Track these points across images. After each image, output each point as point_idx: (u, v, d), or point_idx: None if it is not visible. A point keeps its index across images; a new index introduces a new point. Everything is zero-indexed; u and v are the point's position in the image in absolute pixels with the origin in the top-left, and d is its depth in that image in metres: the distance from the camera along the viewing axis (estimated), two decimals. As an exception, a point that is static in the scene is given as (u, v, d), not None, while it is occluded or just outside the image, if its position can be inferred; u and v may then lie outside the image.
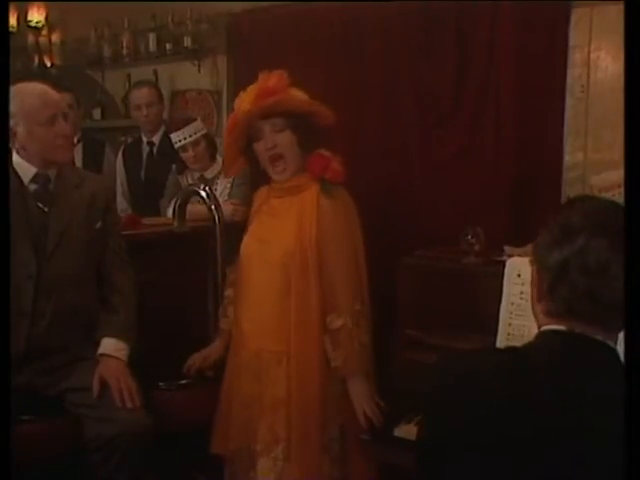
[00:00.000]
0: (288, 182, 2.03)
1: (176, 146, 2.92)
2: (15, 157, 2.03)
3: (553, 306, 1.07)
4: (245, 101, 1.98)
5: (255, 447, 1.98)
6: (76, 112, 3.33)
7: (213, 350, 2.19)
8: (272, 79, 1.97)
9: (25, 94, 1.98)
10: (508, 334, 1.84)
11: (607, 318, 1.02)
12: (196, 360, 2.18)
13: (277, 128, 1.96)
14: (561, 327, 1.06)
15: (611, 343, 1.05)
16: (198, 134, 2.91)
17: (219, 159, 3.00)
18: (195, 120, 2.99)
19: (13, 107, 1.94)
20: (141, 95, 3.31)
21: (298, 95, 2.00)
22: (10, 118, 1.94)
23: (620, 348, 1.05)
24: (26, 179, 2.02)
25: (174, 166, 3.04)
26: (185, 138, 2.88)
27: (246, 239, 2.10)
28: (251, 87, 2.00)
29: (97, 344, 2.05)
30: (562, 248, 1.03)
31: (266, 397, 1.98)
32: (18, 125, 1.97)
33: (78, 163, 3.34)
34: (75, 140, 3.08)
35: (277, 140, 1.97)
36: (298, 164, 2.02)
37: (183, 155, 2.93)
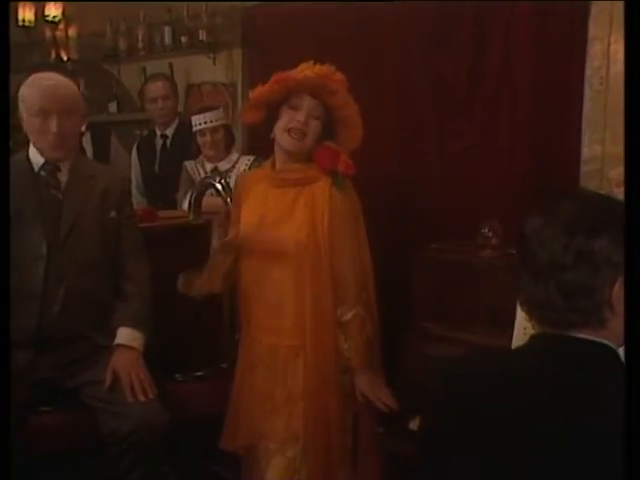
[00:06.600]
0: (294, 173, 2.01)
1: (195, 129, 2.92)
2: (31, 145, 2.08)
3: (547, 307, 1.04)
4: (308, 70, 1.95)
5: (268, 445, 1.97)
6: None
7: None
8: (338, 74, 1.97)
9: (31, 83, 2.02)
10: (524, 328, 1.82)
11: (606, 316, 1.00)
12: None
13: (315, 114, 1.96)
14: (555, 331, 1.04)
15: (612, 345, 1.02)
16: (218, 122, 2.92)
17: (234, 152, 3.01)
18: (218, 108, 3.00)
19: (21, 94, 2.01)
20: (157, 88, 3.34)
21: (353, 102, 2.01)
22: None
23: (620, 350, 1.03)
24: (37, 167, 2.07)
25: (185, 163, 3.04)
26: (205, 122, 2.89)
27: (246, 224, 2.04)
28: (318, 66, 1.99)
29: (113, 334, 2.06)
30: (568, 246, 1.00)
31: (280, 393, 1.97)
32: (22, 112, 2.02)
33: (88, 153, 3.36)
34: (83, 129, 3.09)
35: (310, 122, 1.96)
36: (309, 151, 2.00)
37: (200, 139, 2.93)
